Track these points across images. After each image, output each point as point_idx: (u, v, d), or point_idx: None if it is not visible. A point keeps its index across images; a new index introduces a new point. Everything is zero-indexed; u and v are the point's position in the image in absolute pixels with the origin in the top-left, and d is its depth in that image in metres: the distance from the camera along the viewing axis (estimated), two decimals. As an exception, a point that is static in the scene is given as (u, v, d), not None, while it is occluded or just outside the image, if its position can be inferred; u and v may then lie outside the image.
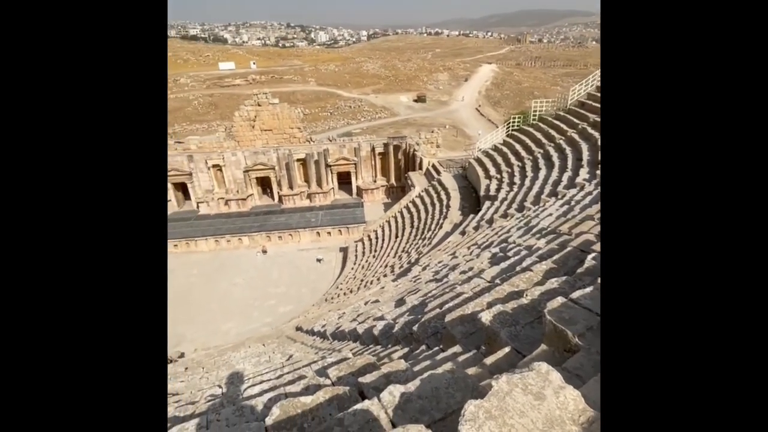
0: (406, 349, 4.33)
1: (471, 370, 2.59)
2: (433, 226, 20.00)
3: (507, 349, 2.83)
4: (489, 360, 2.74)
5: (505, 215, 13.08)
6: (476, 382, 2.04)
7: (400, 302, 7.06)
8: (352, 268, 21.98)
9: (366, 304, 9.40)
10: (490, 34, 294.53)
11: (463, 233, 14.32)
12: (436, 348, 3.83)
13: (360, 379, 2.63)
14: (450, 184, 23.11)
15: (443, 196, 22.42)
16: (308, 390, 3.10)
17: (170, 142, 37.77)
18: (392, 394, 1.93)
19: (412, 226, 22.55)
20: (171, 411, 4.38)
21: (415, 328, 4.40)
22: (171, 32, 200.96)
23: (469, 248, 10.55)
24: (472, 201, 20.85)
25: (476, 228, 13.71)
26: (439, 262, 10.96)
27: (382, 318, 6.25)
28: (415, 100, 71.64)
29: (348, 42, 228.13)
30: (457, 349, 3.37)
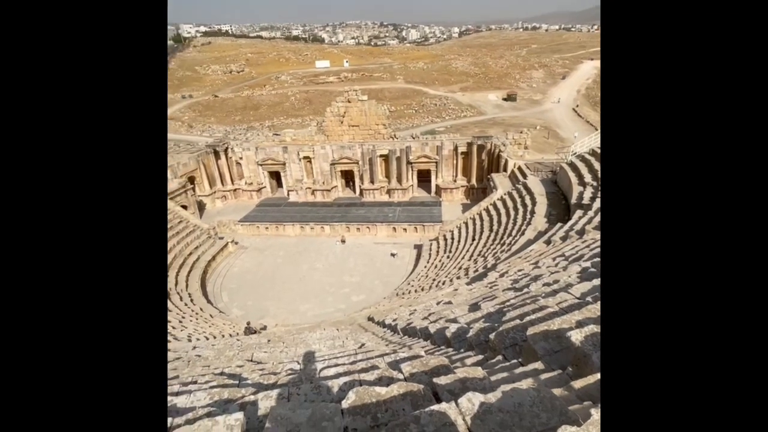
0: (480, 357, 4.18)
1: (556, 392, 2.41)
2: (513, 232, 18.97)
3: (599, 375, 2.56)
4: (577, 384, 2.51)
5: (599, 227, 11.85)
6: (564, 406, 1.89)
7: (475, 307, 6.84)
8: (425, 267, 21.92)
9: (438, 304, 9.30)
10: (595, 27, 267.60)
11: (548, 242, 13.34)
12: (514, 361, 3.64)
13: (435, 380, 2.61)
14: (537, 189, 21.67)
15: (528, 201, 21.11)
16: (381, 381, 3.18)
17: (269, 134, 41.53)
18: (471, 401, 1.88)
19: (490, 230, 21.67)
20: (256, 377, 4.85)
21: (491, 336, 4.22)
22: (276, 33, 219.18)
23: (554, 259, 9.80)
24: (561, 209, 19.29)
25: (564, 238, 12.66)
26: (519, 271, 10.36)
27: (455, 320, 6.13)
28: (505, 99, 68.43)
29: (438, 39, 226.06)
30: (538, 365, 3.16)
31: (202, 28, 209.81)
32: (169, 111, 75.65)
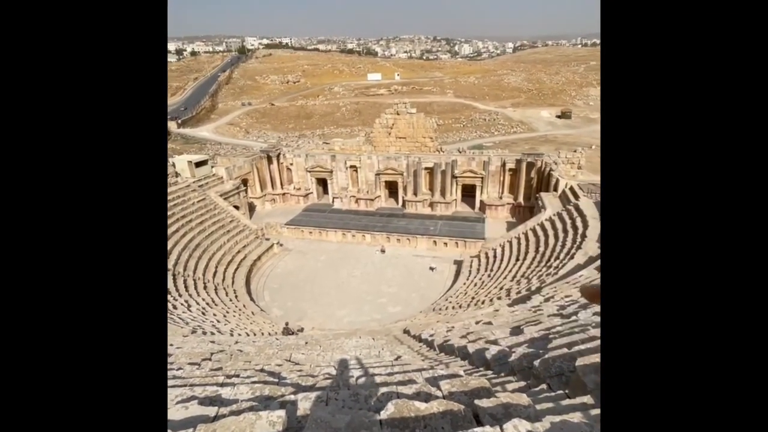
0: (522, 383, 4.01)
1: (608, 430, 2.26)
2: (561, 255, 18.08)
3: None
4: (632, 425, 2.34)
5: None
6: (619, 447, 1.77)
7: (517, 330, 6.58)
8: (464, 284, 21.43)
9: (477, 323, 9.04)
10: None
11: (599, 269, 12.54)
12: (560, 391, 3.45)
13: (476, 402, 2.55)
14: (589, 212, 20.54)
15: (579, 224, 20.06)
16: (419, 396, 3.15)
17: (319, 142, 43.05)
18: (517, 428, 1.82)
19: (536, 251, 20.81)
20: (295, 378, 4.98)
21: (536, 363, 4.04)
22: (332, 47, 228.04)
23: (606, 287, 9.18)
24: (616, 234, 18.09)
25: (618, 266, 11.84)
26: (567, 297, 9.84)
27: (495, 342, 5.93)
28: (559, 116, 66.02)
29: (492, 54, 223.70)
30: (588, 399, 2.97)
31: (265, 41, 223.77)
32: (229, 117, 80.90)
